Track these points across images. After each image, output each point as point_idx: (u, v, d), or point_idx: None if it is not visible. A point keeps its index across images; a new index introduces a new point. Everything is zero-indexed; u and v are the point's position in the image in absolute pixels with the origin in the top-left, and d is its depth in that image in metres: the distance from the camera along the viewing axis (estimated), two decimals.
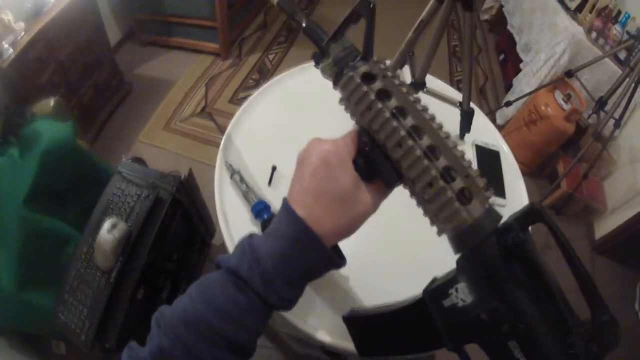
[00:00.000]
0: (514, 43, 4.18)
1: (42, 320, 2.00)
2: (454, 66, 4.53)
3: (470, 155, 1.68)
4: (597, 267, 3.05)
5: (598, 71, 3.19)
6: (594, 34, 3.34)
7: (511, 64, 4.22)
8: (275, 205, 1.33)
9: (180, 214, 2.15)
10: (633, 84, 2.69)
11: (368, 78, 0.63)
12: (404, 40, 1.61)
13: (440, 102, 1.71)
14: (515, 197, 1.61)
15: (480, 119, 1.83)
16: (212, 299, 0.65)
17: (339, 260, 0.66)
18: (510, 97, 3.65)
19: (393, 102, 0.61)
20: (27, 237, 1.94)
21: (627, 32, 3.35)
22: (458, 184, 0.56)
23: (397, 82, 0.62)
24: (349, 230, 0.66)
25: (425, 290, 0.63)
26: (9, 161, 2.14)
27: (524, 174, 3.22)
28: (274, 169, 1.43)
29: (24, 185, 1.98)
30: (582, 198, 3.14)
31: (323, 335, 1.12)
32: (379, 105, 0.61)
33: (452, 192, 0.56)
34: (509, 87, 3.92)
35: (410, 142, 0.58)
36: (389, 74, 0.62)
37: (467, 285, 0.58)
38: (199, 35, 4.10)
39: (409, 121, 0.60)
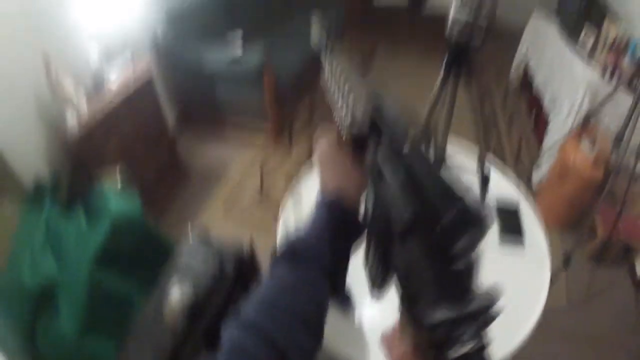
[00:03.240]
0: (542, 101, 4.24)
1: None
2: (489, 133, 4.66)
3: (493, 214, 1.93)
4: None
5: (619, 108, 2.99)
6: (608, 73, 3.31)
7: (542, 122, 4.25)
8: None
9: (242, 284, 2.28)
10: None
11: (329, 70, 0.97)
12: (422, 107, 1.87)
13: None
14: (535, 242, 1.82)
15: (499, 179, 2.13)
16: (276, 283, 0.77)
17: (355, 217, 0.84)
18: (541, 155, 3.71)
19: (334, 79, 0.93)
20: (93, 291, 2.16)
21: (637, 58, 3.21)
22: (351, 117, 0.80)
23: (339, 62, 0.95)
24: (357, 191, 0.85)
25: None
26: (76, 226, 2.36)
27: (562, 229, 3.27)
28: None
29: (93, 247, 2.21)
30: (620, 239, 3.10)
31: None
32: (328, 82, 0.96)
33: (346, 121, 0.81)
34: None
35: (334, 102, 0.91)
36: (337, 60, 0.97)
37: (367, 191, 0.76)
38: (250, 127, 4.34)
39: (339, 88, 0.89)
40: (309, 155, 4.22)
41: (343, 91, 0.87)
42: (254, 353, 0.66)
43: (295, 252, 0.79)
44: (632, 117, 2.73)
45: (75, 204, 2.50)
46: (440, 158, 1.98)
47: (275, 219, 3.52)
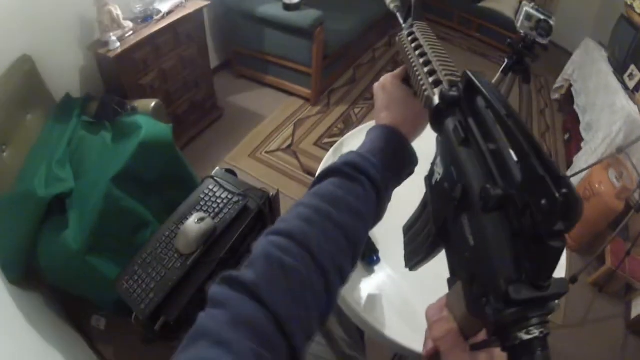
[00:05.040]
0: (579, 122, 4.22)
1: (100, 285, 2.14)
2: None
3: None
4: (630, 347, 3.02)
5: None
6: None
7: (575, 143, 4.24)
8: None
9: (261, 227, 2.30)
10: None
11: (410, 34, 0.91)
12: None
13: None
14: None
15: None
16: (322, 194, 0.73)
17: (409, 147, 0.86)
18: (568, 173, 3.66)
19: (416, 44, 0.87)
20: (107, 209, 2.13)
21: None
22: (433, 78, 0.76)
23: (422, 33, 0.89)
24: (413, 124, 0.88)
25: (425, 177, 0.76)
26: (101, 141, 2.38)
27: (572, 250, 3.27)
28: None
29: (116, 165, 2.19)
30: (624, 276, 3.08)
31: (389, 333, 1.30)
32: (407, 46, 0.89)
33: (427, 81, 0.77)
34: (571, 165, 3.95)
35: (414, 62, 0.84)
36: (419, 30, 0.91)
37: (440, 156, 0.69)
38: (293, 79, 4.35)
39: (421, 52, 0.84)
40: (344, 119, 4.29)
41: (435, 51, 0.84)
42: (293, 264, 0.62)
43: (345, 165, 0.77)
44: None
45: (104, 122, 2.51)
46: None
47: (302, 169, 3.66)
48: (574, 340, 2.94)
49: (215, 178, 2.27)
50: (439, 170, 0.68)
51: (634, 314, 3.12)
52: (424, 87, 0.77)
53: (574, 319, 3.05)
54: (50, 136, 2.38)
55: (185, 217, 2.08)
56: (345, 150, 1.85)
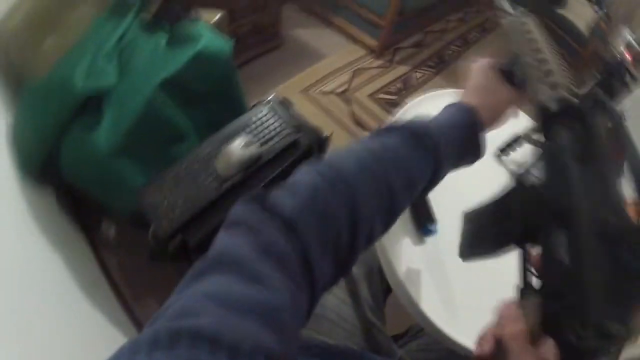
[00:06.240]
0: None
1: (122, 192, 2.02)
2: None
3: None
4: None
5: None
6: None
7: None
8: None
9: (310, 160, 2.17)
10: None
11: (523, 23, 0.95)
12: None
13: None
14: None
15: None
16: (384, 150, 0.71)
17: (482, 134, 0.86)
18: None
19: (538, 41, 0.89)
20: (146, 113, 1.99)
21: None
22: (551, 79, 0.77)
23: (538, 29, 0.92)
24: (495, 114, 0.91)
25: (515, 174, 0.71)
26: (155, 44, 2.20)
27: None
28: None
29: (167, 70, 2.05)
30: None
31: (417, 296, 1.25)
32: (523, 36, 0.92)
33: (546, 81, 0.77)
34: None
35: (531, 56, 0.86)
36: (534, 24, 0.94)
37: (542, 162, 0.67)
38: (362, 26, 4.25)
39: (538, 48, 0.87)
40: (404, 80, 4.20)
41: (553, 52, 0.86)
42: (335, 209, 0.61)
43: (423, 130, 0.76)
44: None
45: (162, 24, 2.33)
46: None
47: (352, 118, 3.59)
48: None
49: (271, 104, 2.13)
50: (537, 175, 0.67)
51: None
52: (539, 85, 0.78)
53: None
54: (101, 30, 2.20)
55: (231, 138, 1.94)
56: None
